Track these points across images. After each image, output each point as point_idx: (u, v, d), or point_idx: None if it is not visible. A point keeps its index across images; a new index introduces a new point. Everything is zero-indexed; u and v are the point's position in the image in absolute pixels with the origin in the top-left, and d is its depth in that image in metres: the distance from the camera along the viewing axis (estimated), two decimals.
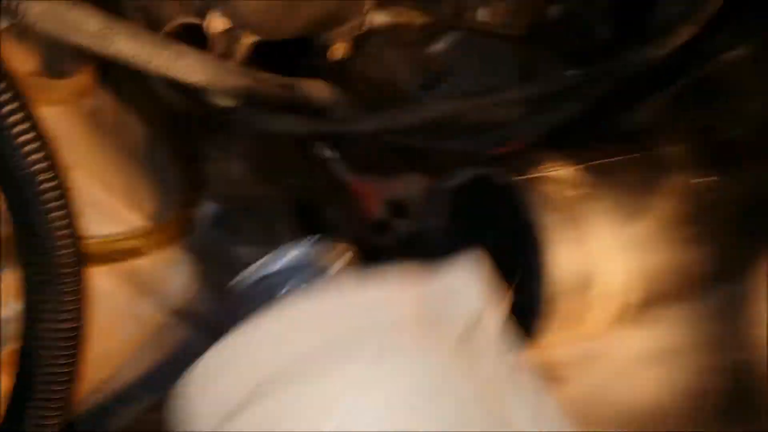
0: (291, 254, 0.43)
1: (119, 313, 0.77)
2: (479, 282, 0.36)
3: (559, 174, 0.65)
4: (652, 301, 0.68)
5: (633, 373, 0.73)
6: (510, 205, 0.64)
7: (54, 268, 0.57)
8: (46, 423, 0.60)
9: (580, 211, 0.64)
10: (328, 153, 1.06)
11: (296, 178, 1.06)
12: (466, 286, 0.36)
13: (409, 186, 1.04)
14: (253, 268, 0.42)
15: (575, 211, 0.63)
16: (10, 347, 0.67)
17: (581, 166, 0.66)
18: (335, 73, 1.10)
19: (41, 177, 0.55)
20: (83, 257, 0.60)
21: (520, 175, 0.64)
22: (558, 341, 0.68)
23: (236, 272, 0.93)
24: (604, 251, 0.64)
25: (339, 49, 0.84)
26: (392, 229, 1.05)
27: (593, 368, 0.72)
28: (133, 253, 0.71)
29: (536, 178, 0.64)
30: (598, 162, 0.67)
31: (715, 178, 0.70)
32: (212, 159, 0.88)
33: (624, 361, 0.72)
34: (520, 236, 0.66)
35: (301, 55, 1.04)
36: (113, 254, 0.71)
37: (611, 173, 0.67)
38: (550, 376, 0.71)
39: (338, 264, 0.44)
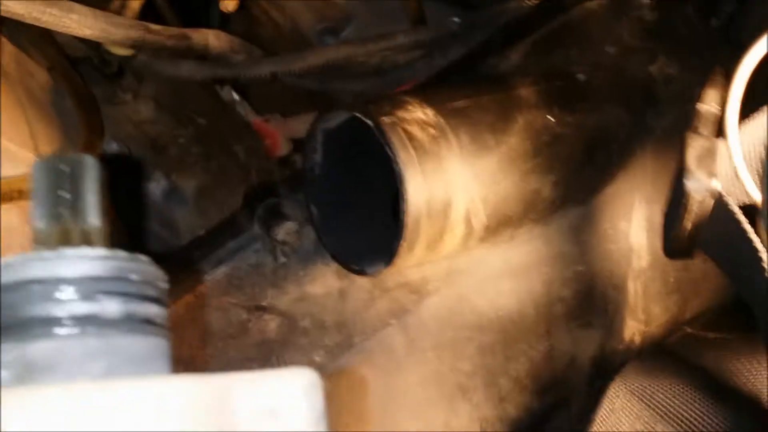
0: (88, 259, 0.34)
1: (26, 247, 0.84)
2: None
3: (419, 116, 0.74)
4: (503, 223, 0.79)
5: (492, 286, 0.84)
6: (378, 143, 0.73)
7: None
8: None
9: (437, 148, 0.73)
10: (233, 95, 1.14)
11: (206, 119, 1.13)
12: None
13: (309, 124, 1.12)
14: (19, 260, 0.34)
15: (433, 147, 0.73)
16: None
17: (439, 108, 0.75)
18: (241, 21, 1.17)
19: None
20: None
21: (386, 116, 0.73)
22: (424, 261, 0.79)
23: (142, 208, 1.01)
24: (459, 182, 0.74)
25: (230, 4, 0.91)
26: (295, 164, 1.14)
27: (456, 282, 0.83)
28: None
29: (399, 119, 0.73)
30: (455, 104, 0.77)
31: (558, 115, 0.81)
32: (119, 101, 0.95)
33: (483, 276, 0.83)
34: (389, 170, 0.75)
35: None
36: (18, 193, 0.78)
37: (467, 115, 0.76)
38: (417, 290, 0.82)
39: (162, 284, 0.37)
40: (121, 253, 0.35)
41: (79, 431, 0.29)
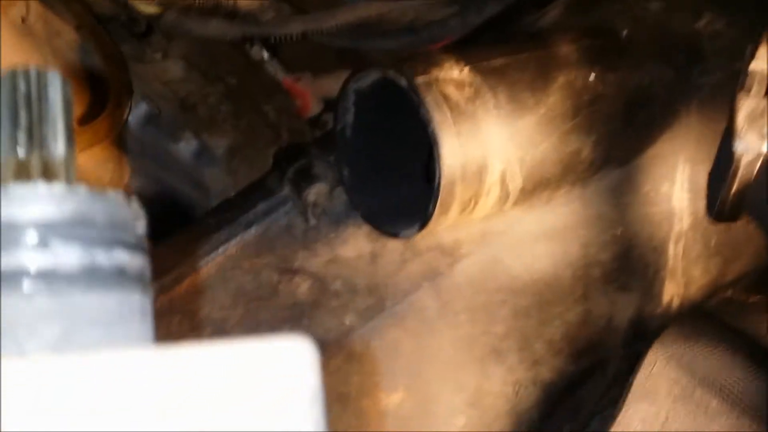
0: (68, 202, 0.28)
1: None
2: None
3: (455, 74, 0.72)
4: (540, 186, 0.77)
5: (527, 248, 0.82)
6: (412, 103, 0.71)
7: None
8: None
9: (473, 108, 0.71)
10: (263, 54, 1.12)
11: (236, 78, 1.11)
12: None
13: (340, 83, 1.10)
14: None
15: (468, 107, 0.71)
16: None
17: (476, 67, 0.73)
18: None
19: None
20: None
21: (420, 76, 0.71)
22: (457, 224, 0.77)
23: (172, 169, 1.01)
24: (495, 143, 0.72)
25: None
26: (326, 124, 1.12)
27: (490, 245, 0.81)
28: None
29: (434, 78, 0.71)
30: (492, 62, 0.74)
31: (599, 74, 0.78)
32: (148, 60, 0.94)
33: (518, 238, 0.82)
34: (423, 131, 0.73)
35: None
36: None
37: (504, 73, 0.74)
38: (450, 253, 0.81)
39: (140, 224, 0.31)
40: (84, 189, 0.29)
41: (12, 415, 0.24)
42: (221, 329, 0.79)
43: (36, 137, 0.30)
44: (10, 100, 0.30)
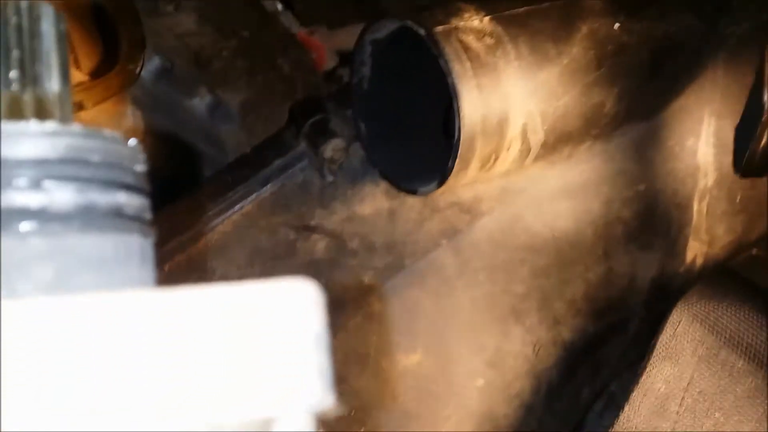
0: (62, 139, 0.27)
1: None
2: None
3: (474, 24, 0.69)
4: (562, 140, 0.74)
5: (548, 206, 0.80)
6: (430, 54, 0.68)
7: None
8: None
9: (494, 59, 0.69)
10: (277, 6, 1.09)
11: (250, 32, 1.09)
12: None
13: (356, 36, 1.08)
14: None
15: (489, 58, 0.68)
16: None
17: (497, 16, 0.70)
18: None
19: None
20: None
21: (439, 25, 0.68)
22: (477, 180, 0.75)
23: (187, 125, 0.99)
24: (517, 96, 0.70)
25: None
26: (341, 78, 1.10)
27: (510, 202, 0.79)
28: (76, 106, 0.76)
29: (454, 28, 0.68)
30: (513, 11, 0.71)
31: (624, 23, 0.75)
32: (161, 13, 0.92)
33: (539, 195, 0.80)
34: (442, 84, 0.71)
35: None
36: None
37: (526, 23, 0.71)
38: (469, 210, 0.79)
39: (139, 164, 0.29)
40: (78, 127, 0.28)
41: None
42: None
43: (29, 73, 0.29)
44: (1, 34, 0.29)
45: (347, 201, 0.83)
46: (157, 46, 0.89)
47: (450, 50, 0.67)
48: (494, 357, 0.80)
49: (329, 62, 1.08)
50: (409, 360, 0.80)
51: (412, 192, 0.76)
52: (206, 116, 0.97)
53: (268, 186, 0.84)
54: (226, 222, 0.82)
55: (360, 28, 0.85)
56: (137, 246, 0.29)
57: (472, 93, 0.67)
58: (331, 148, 0.83)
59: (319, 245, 0.83)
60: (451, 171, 0.70)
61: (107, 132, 0.28)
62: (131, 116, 0.85)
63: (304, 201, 0.84)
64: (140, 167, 0.30)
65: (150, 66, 0.88)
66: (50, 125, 0.27)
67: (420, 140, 0.80)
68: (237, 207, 0.82)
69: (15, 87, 0.28)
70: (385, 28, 0.73)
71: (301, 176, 0.85)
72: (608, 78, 0.74)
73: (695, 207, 0.85)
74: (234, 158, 0.94)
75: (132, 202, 0.29)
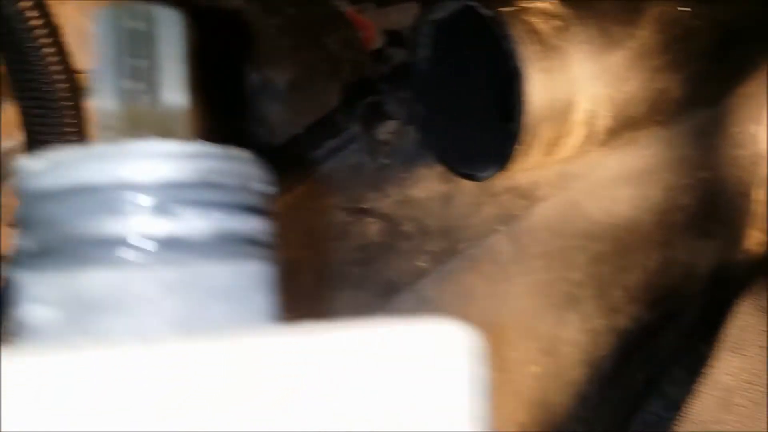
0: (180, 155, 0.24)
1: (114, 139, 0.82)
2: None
3: (541, 5, 0.67)
4: (626, 126, 0.73)
5: (607, 192, 0.78)
6: (494, 36, 0.67)
7: (53, 101, 0.61)
8: None
9: (561, 42, 0.67)
10: None
11: (296, 9, 1.07)
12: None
13: (406, 15, 1.06)
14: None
15: (556, 41, 0.67)
16: None
17: None
18: None
19: (29, 14, 0.57)
20: (78, 89, 0.63)
21: (504, 7, 0.66)
22: (537, 165, 0.74)
23: None
24: (583, 80, 0.68)
25: None
26: (390, 58, 1.08)
27: (569, 187, 0.78)
28: None
29: (519, 9, 0.66)
30: None
31: (693, 7, 0.73)
32: None
33: (598, 181, 0.78)
34: (505, 66, 0.69)
35: None
36: None
37: (594, 5, 0.69)
38: (526, 195, 0.78)
39: (264, 185, 0.27)
40: (211, 148, 0.25)
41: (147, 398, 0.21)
42: (292, 271, 0.77)
43: (150, 84, 0.26)
44: (122, 41, 0.26)
45: (400, 184, 0.82)
46: None
47: (516, 32, 0.65)
48: (549, 344, 0.79)
49: (378, 41, 1.06)
50: None
51: (470, 177, 0.74)
52: (252, 95, 0.96)
53: (321, 168, 0.82)
54: (278, 203, 0.81)
55: (410, 6, 0.83)
56: (265, 273, 0.26)
57: (539, 77, 0.65)
58: (386, 130, 0.82)
59: (372, 228, 0.82)
60: (513, 157, 0.68)
61: (236, 151, 0.26)
62: None
63: (356, 183, 0.83)
64: (267, 187, 0.27)
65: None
66: (182, 144, 0.25)
67: (477, 124, 0.78)
68: (289, 189, 0.81)
69: (134, 100, 0.26)
70: (447, 8, 0.71)
71: (354, 158, 0.84)
72: (675, 63, 0.72)
73: (756, 195, 0.83)
74: (283, 139, 0.93)
75: (260, 226, 0.26)
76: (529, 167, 0.73)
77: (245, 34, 0.87)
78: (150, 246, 0.24)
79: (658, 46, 0.71)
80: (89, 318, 0.23)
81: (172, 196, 0.24)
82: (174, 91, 0.27)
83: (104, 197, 0.24)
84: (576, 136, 0.70)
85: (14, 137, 0.73)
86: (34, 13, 0.57)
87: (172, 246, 0.24)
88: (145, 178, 0.24)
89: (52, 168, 0.24)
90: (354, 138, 0.82)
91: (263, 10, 1.04)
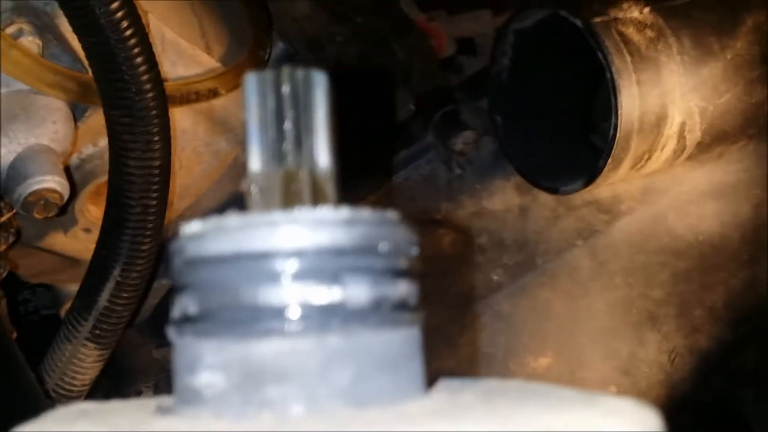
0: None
1: (199, 150, 0.81)
2: None
3: (635, 15, 0.65)
4: (718, 140, 0.70)
5: (693, 207, 0.76)
6: (584, 46, 0.65)
7: (141, 110, 0.61)
8: (141, 249, 0.66)
9: (655, 53, 0.65)
10: None
11: (364, 17, 1.06)
12: None
13: (478, 23, 1.04)
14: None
15: (650, 52, 0.64)
16: (96, 182, 0.72)
17: (657, 7, 0.66)
18: None
19: (123, 23, 0.57)
20: (166, 99, 0.63)
21: (597, 16, 0.64)
22: (624, 179, 0.71)
23: None
24: (677, 92, 0.66)
25: None
26: (461, 66, 1.06)
27: (653, 202, 0.75)
28: (210, 93, 0.74)
29: (612, 19, 0.64)
30: (674, 2, 0.67)
31: None
32: None
33: (684, 196, 0.76)
34: (591, 77, 0.67)
35: None
36: (192, 95, 0.74)
37: (688, 14, 0.67)
38: (608, 209, 0.75)
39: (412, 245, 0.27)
40: (366, 213, 0.25)
41: None
42: None
43: (305, 148, 0.26)
44: (271, 103, 0.26)
45: (475, 195, 0.80)
46: (278, 31, 0.87)
47: (610, 43, 0.63)
48: (628, 364, 0.77)
49: (448, 49, 1.04)
50: (538, 363, 0.77)
51: (553, 191, 0.72)
52: None
53: (393, 177, 0.81)
54: None
55: (482, 15, 0.81)
56: (418, 338, 0.26)
57: (632, 89, 0.63)
58: (462, 140, 0.80)
59: (446, 240, 0.80)
60: (602, 170, 0.66)
61: (390, 215, 0.26)
62: None
63: (429, 194, 0.82)
64: (416, 251, 0.27)
65: (274, 52, 0.86)
66: (342, 211, 0.25)
67: (559, 135, 0.76)
68: (360, 197, 0.80)
69: (286, 162, 0.26)
70: (531, 18, 0.70)
71: (428, 168, 0.82)
72: None
73: None
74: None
75: (413, 291, 0.26)
76: (616, 181, 0.71)
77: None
78: (315, 314, 0.24)
79: (755, 57, 0.68)
80: (256, 386, 0.23)
81: (333, 263, 0.24)
82: (324, 154, 0.26)
83: (268, 264, 0.24)
84: (667, 149, 0.67)
85: (97, 144, 0.72)
86: (126, 22, 0.57)
87: (336, 314, 0.24)
88: (311, 246, 0.24)
89: (216, 234, 0.24)
90: (428, 147, 0.81)
91: (332, 17, 1.03)
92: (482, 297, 0.77)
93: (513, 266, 0.78)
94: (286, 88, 0.26)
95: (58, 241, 0.74)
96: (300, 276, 0.24)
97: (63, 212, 0.69)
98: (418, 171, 0.82)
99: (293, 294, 0.24)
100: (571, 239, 0.77)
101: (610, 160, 0.65)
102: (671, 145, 0.67)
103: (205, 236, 0.24)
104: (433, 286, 0.79)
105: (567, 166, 0.72)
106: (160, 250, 0.71)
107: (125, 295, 0.66)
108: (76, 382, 0.69)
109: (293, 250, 0.24)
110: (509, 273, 0.78)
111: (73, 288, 0.72)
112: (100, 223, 0.67)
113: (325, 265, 0.24)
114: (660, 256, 0.76)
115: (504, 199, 0.79)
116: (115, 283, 0.65)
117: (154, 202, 0.67)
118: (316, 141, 0.26)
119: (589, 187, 0.70)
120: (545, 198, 0.77)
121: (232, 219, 0.24)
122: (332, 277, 0.24)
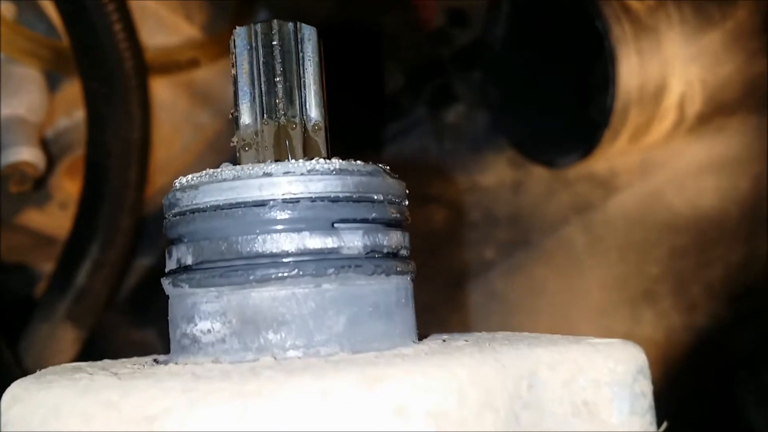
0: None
1: (179, 122, 0.79)
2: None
3: None
4: (717, 111, 0.68)
5: (691, 182, 0.74)
6: (581, 15, 0.62)
7: (120, 80, 0.59)
8: (119, 224, 0.64)
9: (655, 21, 0.62)
10: None
11: None
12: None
13: None
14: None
15: (650, 20, 0.62)
16: (71, 156, 0.69)
17: None
18: None
19: None
20: (146, 69, 0.61)
21: None
22: (621, 151, 0.69)
23: None
24: (677, 62, 0.63)
25: None
26: (451, 38, 1.03)
27: (651, 177, 0.73)
28: (190, 63, 0.72)
29: None
30: None
31: None
32: None
33: (683, 170, 0.73)
34: (589, 47, 0.65)
35: None
36: (172, 65, 0.71)
37: None
38: (604, 184, 0.73)
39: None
40: (359, 164, 0.26)
41: None
42: None
43: (296, 101, 0.27)
44: (261, 58, 0.27)
45: (467, 170, 0.78)
46: (260, 0, 0.84)
47: (608, 10, 0.60)
48: None
49: (438, 20, 1.01)
50: None
51: (548, 164, 0.70)
52: None
53: (383, 151, 0.79)
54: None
55: None
56: (410, 288, 0.27)
57: (631, 58, 0.61)
58: (454, 113, 0.77)
59: (437, 216, 0.78)
60: (599, 142, 0.64)
61: (380, 167, 0.27)
62: None
63: (420, 168, 0.79)
64: (405, 202, 0.28)
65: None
66: (336, 162, 0.25)
67: (553, 108, 0.74)
68: None
69: (280, 117, 0.26)
70: None
71: (418, 142, 0.80)
72: None
73: None
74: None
75: (405, 241, 0.27)
76: (614, 154, 0.69)
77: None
78: (310, 261, 0.25)
79: (757, 26, 0.66)
80: (254, 331, 0.23)
81: (327, 212, 0.25)
82: (315, 108, 0.27)
83: (263, 213, 0.24)
84: (666, 121, 0.65)
85: (71, 116, 0.69)
86: None
87: (330, 261, 0.24)
88: (307, 194, 0.25)
89: (211, 185, 0.25)
90: (419, 121, 0.78)
91: None
92: (475, 275, 0.75)
93: (506, 242, 0.75)
94: (276, 41, 0.27)
95: (33, 218, 0.71)
96: (294, 225, 0.24)
97: (38, 187, 0.66)
98: (408, 145, 0.79)
99: (288, 242, 0.24)
100: (566, 215, 0.75)
101: (608, 132, 0.63)
102: (671, 116, 0.65)
103: (200, 187, 0.25)
104: (424, 264, 0.77)
105: (562, 139, 0.70)
106: (139, 227, 0.69)
107: (103, 273, 0.63)
108: (53, 364, 0.67)
109: (287, 198, 0.25)
110: (502, 250, 0.75)
111: (48, 268, 0.69)
112: (76, 198, 0.65)
113: (319, 214, 0.25)
114: (657, 232, 0.74)
115: (497, 173, 0.77)
116: (92, 262, 0.63)
117: (132, 177, 0.65)
118: (308, 94, 0.27)
119: (586, 161, 0.68)
120: (539, 172, 0.75)
121: (227, 171, 0.25)
122: (326, 225, 0.25)
